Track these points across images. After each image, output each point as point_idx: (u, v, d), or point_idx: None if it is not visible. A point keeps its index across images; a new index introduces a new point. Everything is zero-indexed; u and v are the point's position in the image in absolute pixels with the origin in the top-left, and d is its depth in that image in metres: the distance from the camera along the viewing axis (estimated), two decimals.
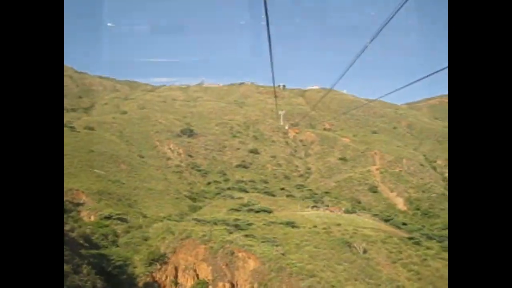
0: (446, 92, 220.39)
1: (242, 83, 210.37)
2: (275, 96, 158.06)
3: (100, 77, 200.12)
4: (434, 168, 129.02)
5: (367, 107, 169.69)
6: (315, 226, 57.62)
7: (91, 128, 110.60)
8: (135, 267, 38.03)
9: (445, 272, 50.02)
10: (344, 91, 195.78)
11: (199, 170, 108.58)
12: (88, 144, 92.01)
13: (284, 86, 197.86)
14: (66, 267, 23.13)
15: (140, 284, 35.33)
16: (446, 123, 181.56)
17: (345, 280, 38.83)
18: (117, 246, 43.84)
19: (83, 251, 32.15)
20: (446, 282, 47.83)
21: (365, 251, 50.93)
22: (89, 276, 24.10)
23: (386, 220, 78.76)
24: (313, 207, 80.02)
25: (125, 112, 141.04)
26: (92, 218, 53.49)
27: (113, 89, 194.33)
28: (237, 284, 39.62)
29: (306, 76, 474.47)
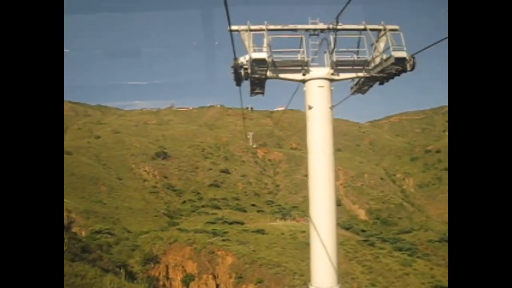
0: (405, 110, 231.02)
1: (211, 106, 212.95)
2: (243, 118, 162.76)
3: (71, 102, 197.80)
4: (394, 181, 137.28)
5: (332, 126, 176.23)
6: (282, 234, 64.02)
7: (69, 153, 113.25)
8: (132, 267, 44.63)
9: (393, 266, 58.09)
10: None
11: (174, 190, 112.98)
12: (68, 167, 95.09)
13: (252, 108, 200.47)
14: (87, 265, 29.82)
15: (139, 278, 41.99)
16: (406, 139, 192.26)
17: (306, 270, 46.47)
18: (111, 254, 49.89)
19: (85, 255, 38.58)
20: (394, 274, 56.02)
21: None
22: (108, 263, 31.08)
23: (347, 228, 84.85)
24: (281, 219, 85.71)
25: (99, 137, 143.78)
26: (84, 233, 59.12)
27: (85, 114, 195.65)
28: (218, 276, 47.18)
29: (274, 97, 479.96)
